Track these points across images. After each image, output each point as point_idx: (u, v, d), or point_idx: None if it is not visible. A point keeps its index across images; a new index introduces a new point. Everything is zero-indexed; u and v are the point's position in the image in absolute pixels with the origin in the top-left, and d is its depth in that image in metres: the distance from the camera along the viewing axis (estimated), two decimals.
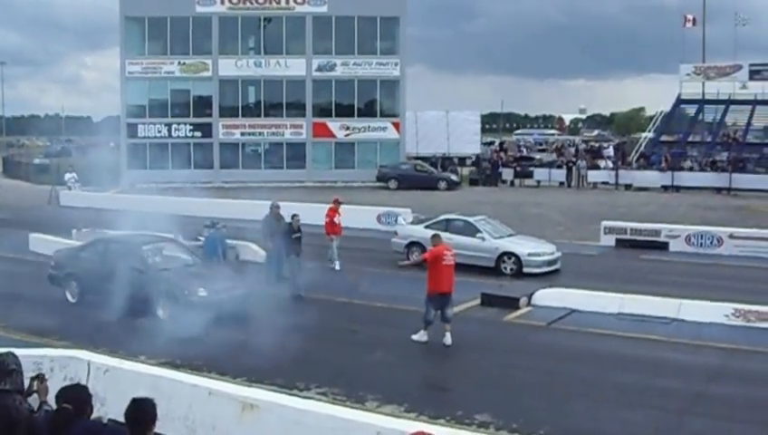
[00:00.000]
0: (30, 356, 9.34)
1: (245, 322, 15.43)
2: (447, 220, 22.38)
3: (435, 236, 15.92)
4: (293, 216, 19.87)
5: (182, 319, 15.10)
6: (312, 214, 23.03)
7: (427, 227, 21.89)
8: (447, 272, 14.91)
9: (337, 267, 21.54)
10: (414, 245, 21.82)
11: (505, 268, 21.13)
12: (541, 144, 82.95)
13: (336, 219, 22.08)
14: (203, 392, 9.45)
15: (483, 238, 21.43)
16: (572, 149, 59.27)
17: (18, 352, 7.93)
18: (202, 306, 15.49)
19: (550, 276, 20.56)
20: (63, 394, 5.90)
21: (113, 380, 9.96)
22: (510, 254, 21.18)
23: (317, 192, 27.80)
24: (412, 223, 23.89)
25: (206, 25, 49.06)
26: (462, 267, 18.56)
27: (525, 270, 20.83)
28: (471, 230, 21.66)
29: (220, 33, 49.27)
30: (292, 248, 18.99)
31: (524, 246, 21.45)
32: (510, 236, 22.11)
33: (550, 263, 21.29)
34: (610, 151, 53.23)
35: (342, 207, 22.79)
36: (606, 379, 12.84)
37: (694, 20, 53.17)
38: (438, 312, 14.86)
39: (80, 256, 18.42)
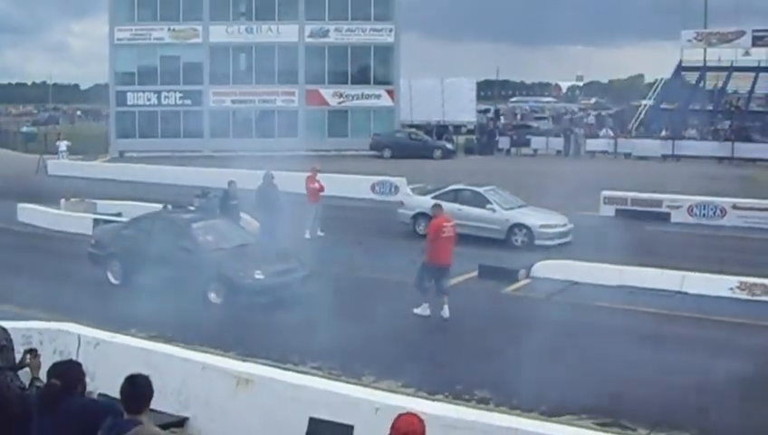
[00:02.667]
0: (18, 329, 9.15)
1: (305, 306, 14.61)
2: (456, 191, 21.86)
3: (435, 206, 15.59)
4: (230, 182, 19.94)
5: (237, 304, 14.47)
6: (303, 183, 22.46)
7: (434, 197, 21.21)
8: (446, 244, 14.60)
9: (307, 235, 21.22)
10: (421, 216, 21.01)
11: (516, 241, 20.70)
12: (537, 111, 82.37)
13: (312, 186, 21.71)
14: (196, 367, 9.32)
15: (493, 210, 20.97)
16: (572, 117, 58.93)
17: (5, 324, 7.61)
18: (258, 290, 14.79)
19: (548, 249, 20.09)
20: (54, 370, 5.75)
21: (104, 354, 9.80)
22: (521, 226, 20.73)
23: (310, 161, 27.36)
24: (419, 193, 23.14)
25: None
26: (467, 239, 18.39)
27: (537, 242, 20.38)
28: (480, 201, 21.19)
29: None
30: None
31: (536, 218, 21.00)
32: (520, 207, 21.65)
33: (562, 235, 20.87)
34: (591, 120, 52.64)
35: (333, 176, 22.44)
36: (608, 353, 12.53)
37: None
38: (434, 283, 14.53)
39: (123, 235, 17.19)
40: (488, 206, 21.03)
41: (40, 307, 14.03)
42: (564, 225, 21.12)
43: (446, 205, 19.80)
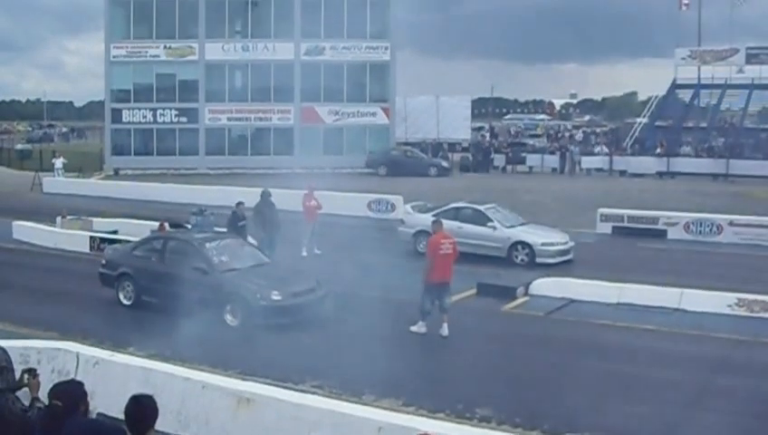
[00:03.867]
0: (16, 348, 9.13)
1: (325, 328, 14.46)
2: (457, 209, 21.84)
3: (435, 223, 15.53)
4: (239, 203, 19.71)
5: (255, 326, 14.19)
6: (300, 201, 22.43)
7: (435, 215, 21.14)
8: (446, 261, 14.50)
9: (304, 253, 21.20)
10: (422, 234, 20.82)
11: (518, 258, 20.65)
12: (531, 129, 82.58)
13: (309, 204, 21.74)
14: (196, 386, 9.23)
15: (494, 227, 20.96)
16: (569, 134, 59.00)
17: (2, 343, 7.53)
18: (276, 311, 14.46)
19: (550, 266, 20.08)
20: (55, 390, 5.66)
21: (103, 373, 9.75)
22: (522, 243, 20.71)
23: (305, 178, 27.41)
24: (420, 211, 22.99)
25: (192, 9, 48.30)
26: (468, 257, 18.44)
27: (538, 260, 20.36)
28: (481, 219, 21.20)
29: (207, 17, 48.51)
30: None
31: (537, 236, 20.98)
32: (521, 225, 21.63)
33: (563, 253, 20.83)
34: (579, 137, 52.63)
35: (329, 194, 22.40)
36: (608, 371, 12.55)
37: (687, 4, 52.62)
38: (436, 301, 14.46)
39: (134, 255, 16.84)
40: (489, 224, 21.02)
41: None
42: (565, 243, 21.09)
43: (446, 223, 19.86)
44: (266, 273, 15.67)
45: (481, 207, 21.70)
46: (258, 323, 14.28)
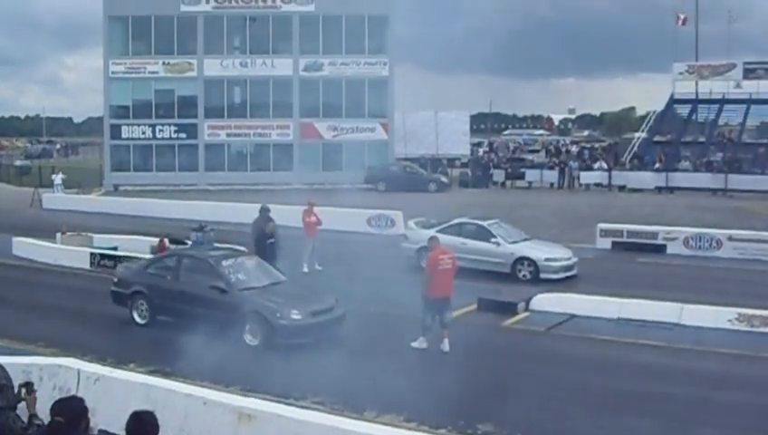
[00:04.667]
0: (18, 365, 9.13)
1: (326, 344, 14.28)
2: (460, 224, 21.81)
3: (432, 239, 15.62)
4: (269, 219, 19.37)
5: (275, 346, 13.98)
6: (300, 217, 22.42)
7: (438, 231, 21.09)
8: (445, 276, 14.52)
9: (305, 269, 21.16)
10: (425, 250, 20.81)
11: (522, 274, 20.61)
12: (529, 144, 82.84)
13: (309, 220, 21.73)
14: (198, 402, 9.16)
15: (497, 243, 20.95)
16: (566, 149, 59.08)
17: (4, 360, 7.52)
18: (297, 331, 14.23)
19: (554, 282, 20.02)
20: (57, 407, 5.69)
21: (104, 389, 9.69)
22: (526, 259, 20.68)
23: (305, 194, 27.44)
24: (423, 227, 22.81)
25: (191, 25, 48.49)
26: (472, 272, 18.78)
27: (542, 276, 20.32)
28: (485, 235, 21.16)
29: (205, 33, 48.73)
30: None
31: (541, 251, 20.95)
32: (525, 240, 21.61)
33: (567, 268, 20.78)
34: (574, 152, 52.64)
35: (331, 210, 22.38)
36: (609, 386, 12.59)
37: (684, 19, 52.82)
38: (437, 317, 14.47)
39: (148, 272, 16.51)
40: (493, 239, 21.00)
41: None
42: (569, 258, 21.04)
43: (450, 238, 20.03)
44: (285, 291, 15.40)
45: (484, 223, 21.68)
46: (279, 342, 14.06)
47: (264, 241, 18.88)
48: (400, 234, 25.24)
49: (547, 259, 20.63)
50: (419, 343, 14.45)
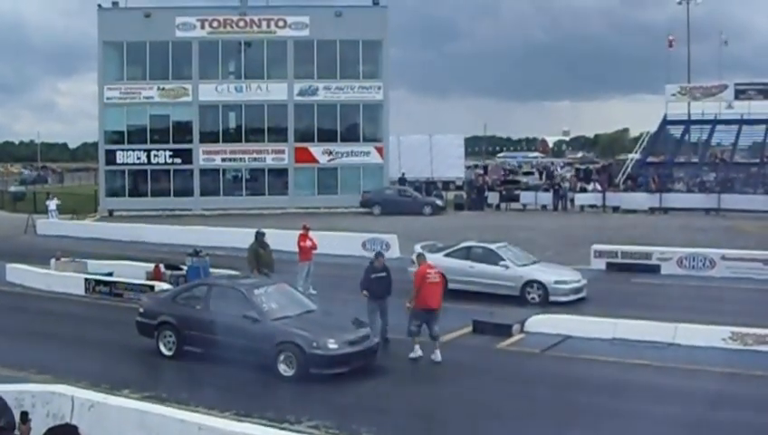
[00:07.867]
0: (10, 392, 9.08)
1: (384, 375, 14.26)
2: (468, 248, 21.72)
3: (419, 256, 16.55)
4: (378, 254, 17.66)
5: (311, 376, 13.68)
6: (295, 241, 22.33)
7: (446, 255, 21.15)
8: (433, 289, 15.30)
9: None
10: None
11: (531, 297, 20.43)
12: (524, 166, 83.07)
13: (304, 244, 21.63)
14: (192, 428, 9.13)
15: (506, 266, 20.78)
16: (561, 171, 59.27)
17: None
18: (333, 360, 13.90)
19: (564, 305, 19.94)
20: (51, 434, 5.50)
21: (98, 416, 9.64)
22: (535, 282, 20.53)
23: (300, 219, 27.49)
24: (430, 251, 22.22)
25: (185, 50, 48.61)
26: (481, 296, 19.54)
27: (552, 299, 20.17)
28: (493, 258, 21.03)
29: (200, 58, 48.77)
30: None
31: (550, 274, 20.82)
32: (533, 263, 21.52)
33: (576, 290, 20.66)
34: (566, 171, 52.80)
35: (324, 234, 22.33)
36: (604, 406, 12.62)
37: (671, 42, 53.28)
38: (425, 328, 15.09)
39: (176, 302, 16.05)
40: (501, 263, 20.84)
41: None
42: (578, 280, 20.90)
43: (458, 262, 20.67)
44: (318, 320, 15.07)
45: (492, 246, 21.52)
46: (314, 372, 13.81)
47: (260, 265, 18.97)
48: (396, 257, 25.18)
49: (557, 282, 20.52)
50: (415, 353, 15.11)
